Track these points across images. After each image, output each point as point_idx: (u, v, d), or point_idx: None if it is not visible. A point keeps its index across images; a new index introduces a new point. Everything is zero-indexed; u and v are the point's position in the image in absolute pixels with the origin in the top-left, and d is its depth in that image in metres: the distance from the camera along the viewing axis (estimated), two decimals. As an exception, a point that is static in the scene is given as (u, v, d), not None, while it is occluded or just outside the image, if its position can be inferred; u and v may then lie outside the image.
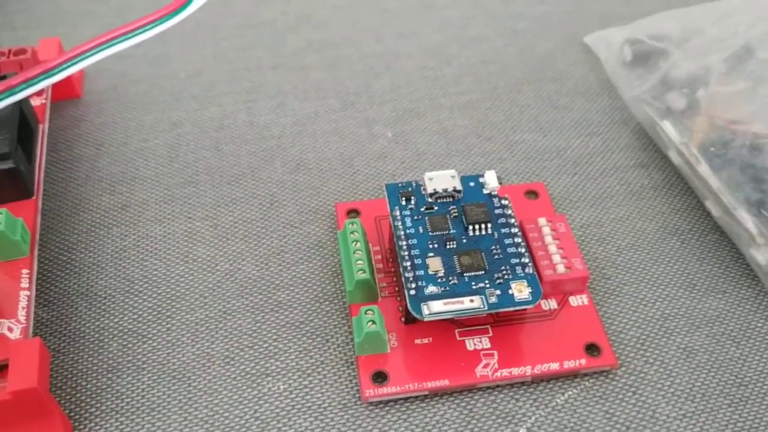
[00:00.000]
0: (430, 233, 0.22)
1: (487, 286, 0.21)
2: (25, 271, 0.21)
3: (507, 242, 0.22)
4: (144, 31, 0.24)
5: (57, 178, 0.27)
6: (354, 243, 0.23)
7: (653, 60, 0.28)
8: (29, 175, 0.23)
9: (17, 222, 0.21)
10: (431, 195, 0.23)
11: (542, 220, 0.24)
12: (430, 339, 0.22)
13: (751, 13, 0.29)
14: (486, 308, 0.21)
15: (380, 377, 0.21)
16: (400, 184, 0.23)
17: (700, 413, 0.21)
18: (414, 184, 0.23)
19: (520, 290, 0.21)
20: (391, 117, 0.29)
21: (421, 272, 0.21)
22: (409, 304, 0.21)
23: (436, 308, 0.20)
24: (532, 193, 0.26)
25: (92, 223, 0.25)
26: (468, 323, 0.22)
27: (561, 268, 0.23)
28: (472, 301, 0.21)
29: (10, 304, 0.20)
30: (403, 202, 0.23)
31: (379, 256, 0.24)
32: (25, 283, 0.21)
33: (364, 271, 0.22)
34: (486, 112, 0.29)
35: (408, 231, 0.22)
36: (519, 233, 0.22)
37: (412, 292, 0.21)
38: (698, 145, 0.26)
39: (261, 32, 0.32)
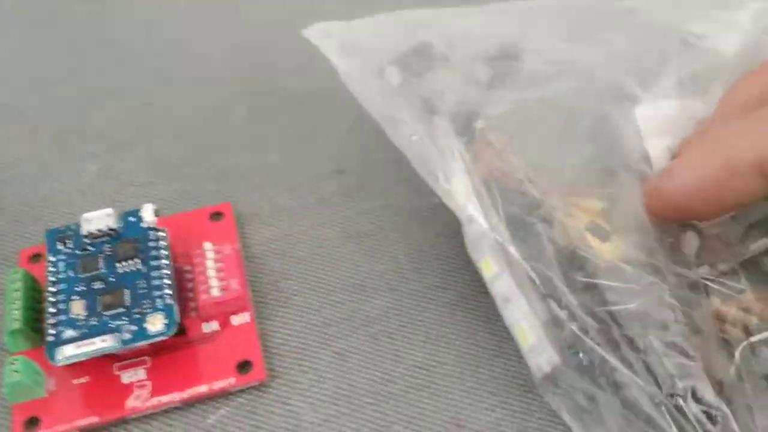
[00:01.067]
0: (80, 275, 0.23)
1: (126, 322, 0.22)
2: None
3: (153, 275, 0.23)
4: None
5: None
6: (13, 293, 0.23)
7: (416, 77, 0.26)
8: None
9: None
10: (87, 236, 0.24)
11: (207, 245, 0.25)
12: (88, 378, 0.23)
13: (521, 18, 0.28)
14: (119, 346, 0.21)
15: (33, 423, 0.22)
16: (60, 228, 0.24)
17: (342, 415, 0.22)
18: (73, 227, 0.24)
19: (154, 323, 0.22)
20: (101, 151, 0.29)
21: (63, 317, 0.22)
22: (46, 351, 0.21)
23: (68, 352, 0.21)
24: (217, 215, 0.27)
25: None
26: (127, 356, 0.23)
27: (216, 292, 0.23)
28: (104, 341, 0.21)
29: None
30: (60, 247, 0.24)
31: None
32: None
33: (18, 321, 0.23)
34: (197, 135, 0.30)
35: (58, 276, 0.23)
36: (167, 264, 0.23)
37: (50, 338, 0.22)
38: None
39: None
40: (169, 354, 0.23)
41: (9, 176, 0.29)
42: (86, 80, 0.32)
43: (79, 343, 0.21)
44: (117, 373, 0.23)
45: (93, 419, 0.22)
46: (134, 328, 0.22)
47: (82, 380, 0.23)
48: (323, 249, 0.26)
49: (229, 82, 0.32)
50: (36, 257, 0.26)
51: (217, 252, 0.24)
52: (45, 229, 0.26)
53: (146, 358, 0.23)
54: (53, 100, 0.31)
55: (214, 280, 0.24)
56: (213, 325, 0.24)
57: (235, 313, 0.24)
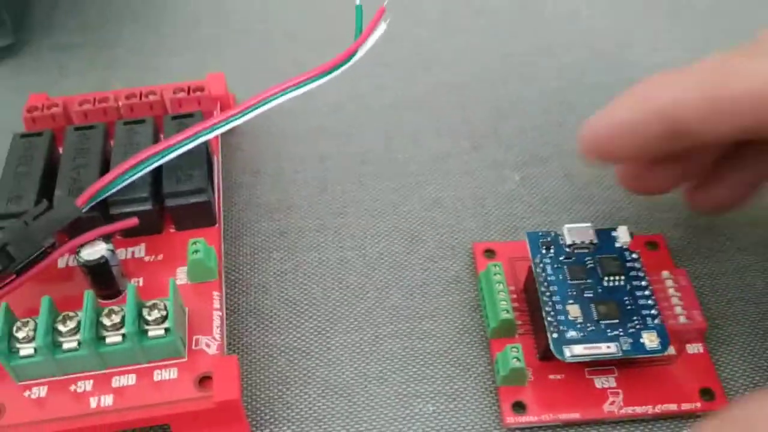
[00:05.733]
0: (569, 281, 0.25)
1: (621, 333, 0.24)
2: (216, 293, 0.24)
3: (638, 294, 0.25)
4: (316, 80, 0.27)
5: (222, 202, 0.30)
6: (497, 284, 0.25)
7: None
8: (215, 205, 0.26)
9: (210, 250, 0.25)
10: (569, 246, 0.26)
11: (665, 273, 0.26)
12: (563, 376, 0.25)
13: None
14: (620, 354, 0.23)
15: (519, 407, 0.24)
16: (540, 233, 0.26)
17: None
18: (553, 234, 0.26)
19: (651, 340, 0.24)
20: (518, 161, 0.32)
21: (562, 317, 0.24)
22: (552, 347, 0.24)
23: (576, 351, 0.23)
24: (652, 245, 0.28)
25: (254, 247, 0.29)
26: (596, 363, 0.25)
27: (682, 320, 0.25)
28: (608, 347, 0.23)
29: (206, 323, 0.24)
30: (544, 251, 0.26)
31: (514, 296, 0.26)
32: (217, 304, 0.24)
33: (508, 312, 0.25)
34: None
35: (549, 278, 0.25)
36: (649, 286, 0.25)
37: (555, 335, 0.24)
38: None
39: (394, 70, 0.35)
40: (633, 369, 0.25)
41: (437, 170, 0.31)
42: (493, 89, 0.35)
43: (586, 345, 0.23)
44: (589, 377, 0.25)
45: (575, 415, 0.24)
46: (631, 341, 0.24)
47: (558, 377, 0.25)
48: (752, 295, 0.27)
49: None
50: (488, 251, 0.28)
51: (674, 281, 0.26)
52: (480, 227, 0.28)
53: (613, 368, 0.25)
54: (466, 101, 0.34)
55: (678, 308, 0.25)
56: (670, 350, 0.25)
57: (690, 342, 0.25)
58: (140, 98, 0.29)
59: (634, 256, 0.26)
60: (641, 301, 0.24)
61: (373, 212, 0.30)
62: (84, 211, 0.24)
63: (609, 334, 0.24)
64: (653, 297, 0.25)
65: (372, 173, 0.31)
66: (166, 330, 0.22)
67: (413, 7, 0.39)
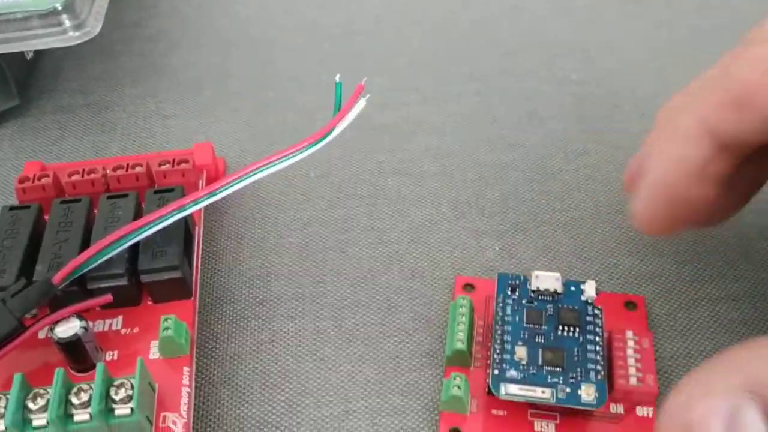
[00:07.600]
0: (525, 324, 0.26)
1: (560, 382, 0.24)
2: (186, 368, 0.25)
3: (589, 348, 0.25)
4: (293, 157, 0.28)
5: (204, 269, 0.31)
6: (461, 316, 0.26)
7: None
8: (190, 279, 0.27)
9: (182, 326, 0.25)
10: (533, 291, 0.27)
11: (629, 333, 0.26)
12: (505, 413, 0.25)
13: None
14: (554, 401, 0.24)
15: (455, 433, 0.25)
16: (511, 275, 0.27)
17: None
18: (522, 278, 0.27)
19: (588, 393, 0.24)
20: (499, 230, 0.32)
21: (507, 356, 0.25)
22: (490, 382, 0.24)
23: (512, 390, 0.24)
24: (631, 304, 0.28)
25: (233, 315, 0.29)
26: (541, 407, 0.25)
27: (633, 381, 0.25)
28: (543, 392, 0.24)
29: (175, 399, 0.24)
30: (509, 291, 0.27)
31: (481, 330, 0.28)
32: (186, 380, 0.25)
33: (462, 342, 0.26)
34: (587, 231, 0.32)
35: (507, 318, 0.26)
36: (601, 342, 0.25)
37: (496, 371, 0.25)
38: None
39: (381, 135, 0.36)
40: (576, 419, 0.25)
41: (418, 239, 0.32)
42: (477, 156, 0.35)
43: (522, 386, 0.24)
44: (531, 419, 0.25)
45: (508, 452, 0.24)
46: (568, 390, 0.24)
47: (500, 413, 0.25)
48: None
49: (620, 185, 0.34)
50: (469, 287, 0.29)
51: (636, 343, 0.26)
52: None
53: (557, 415, 0.25)
54: (450, 169, 0.34)
55: (632, 369, 0.25)
56: (619, 408, 0.25)
57: (641, 405, 0.25)
58: (127, 170, 0.30)
59: (596, 311, 0.26)
60: (590, 355, 0.25)
61: (352, 281, 0.30)
62: (60, 288, 0.25)
63: (549, 381, 0.24)
64: (602, 354, 0.25)
65: (353, 240, 0.32)
66: (132, 410, 0.23)
67: (403, 73, 0.40)
